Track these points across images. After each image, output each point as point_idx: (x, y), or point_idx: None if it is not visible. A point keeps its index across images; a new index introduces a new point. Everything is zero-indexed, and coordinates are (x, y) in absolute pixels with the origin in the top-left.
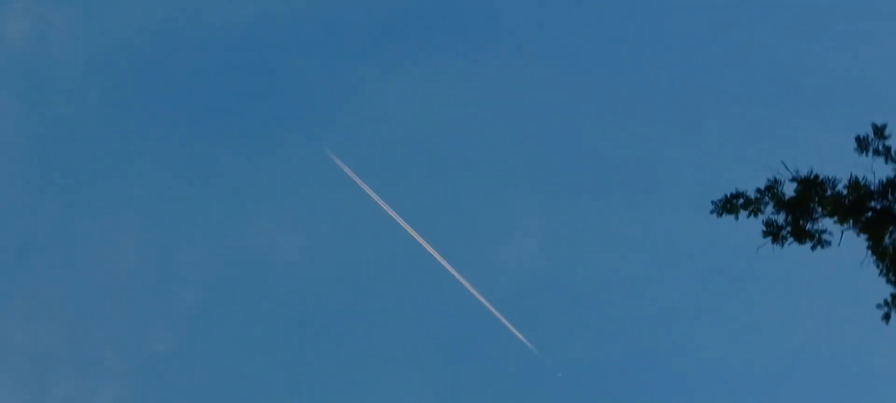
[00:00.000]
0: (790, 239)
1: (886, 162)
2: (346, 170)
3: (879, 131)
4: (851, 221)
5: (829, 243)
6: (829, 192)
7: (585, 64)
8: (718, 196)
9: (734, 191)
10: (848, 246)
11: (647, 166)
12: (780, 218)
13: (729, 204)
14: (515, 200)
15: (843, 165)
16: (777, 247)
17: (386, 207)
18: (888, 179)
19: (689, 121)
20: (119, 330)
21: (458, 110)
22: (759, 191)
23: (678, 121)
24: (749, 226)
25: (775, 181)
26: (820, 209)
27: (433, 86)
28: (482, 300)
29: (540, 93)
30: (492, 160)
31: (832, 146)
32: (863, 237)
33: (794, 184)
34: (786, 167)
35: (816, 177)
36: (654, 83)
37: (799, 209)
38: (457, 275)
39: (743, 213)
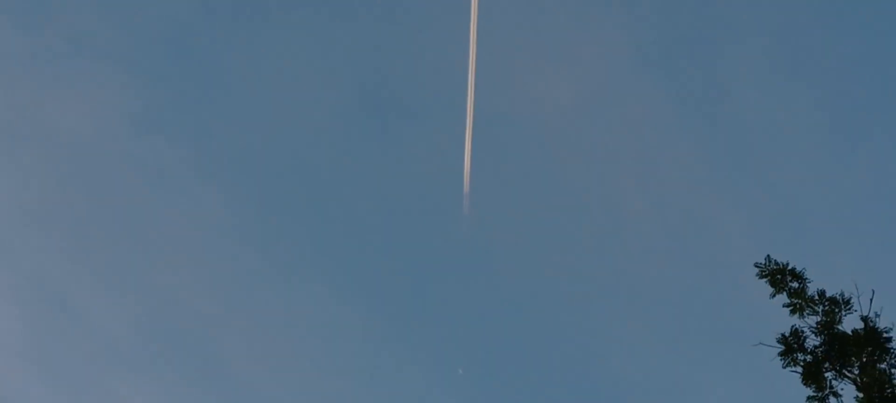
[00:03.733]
0: (800, 370)
1: None
2: None
3: None
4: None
5: None
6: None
7: None
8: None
9: (795, 269)
10: None
11: None
12: (811, 343)
13: (780, 276)
14: None
15: None
16: (777, 360)
17: None
18: None
19: None
20: None
21: None
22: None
23: None
24: None
25: (843, 302)
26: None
27: None
28: None
29: None
30: None
31: None
32: None
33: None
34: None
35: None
36: None
37: (840, 356)
38: None
39: (787, 299)
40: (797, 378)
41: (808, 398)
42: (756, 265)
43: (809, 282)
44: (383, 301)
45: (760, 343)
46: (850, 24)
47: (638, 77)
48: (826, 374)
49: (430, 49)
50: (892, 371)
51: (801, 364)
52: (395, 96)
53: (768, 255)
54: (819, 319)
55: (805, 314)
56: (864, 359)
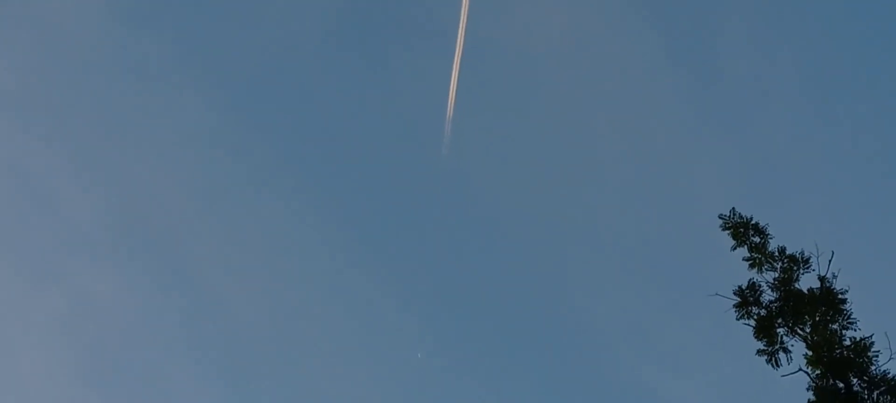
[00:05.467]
0: (753, 324)
1: None
2: None
3: None
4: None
5: (778, 363)
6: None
7: None
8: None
9: (758, 224)
10: None
11: None
12: (767, 298)
13: (742, 229)
14: None
15: None
16: (731, 313)
17: None
18: None
19: None
20: None
21: None
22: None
23: None
24: None
25: (802, 260)
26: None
27: None
28: None
29: None
30: None
31: None
32: None
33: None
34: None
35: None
36: None
37: (793, 313)
38: None
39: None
40: (750, 331)
41: (758, 351)
42: (720, 216)
43: (771, 239)
44: (355, 220)
45: (717, 294)
46: None
47: (630, 17)
48: (778, 329)
49: None
50: (844, 332)
51: (755, 317)
52: (388, 12)
53: (733, 208)
54: (777, 275)
55: (764, 269)
56: (817, 318)
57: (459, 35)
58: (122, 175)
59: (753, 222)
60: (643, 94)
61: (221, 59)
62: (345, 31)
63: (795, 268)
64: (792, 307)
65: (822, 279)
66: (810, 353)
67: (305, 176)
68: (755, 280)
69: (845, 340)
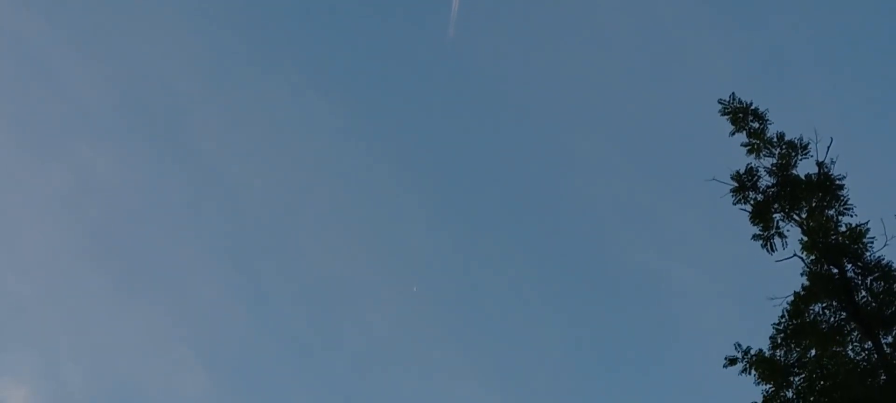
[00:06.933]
0: (750, 209)
1: None
2: None
3: None
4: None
5: (773, 248)
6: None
7: None
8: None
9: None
10: None
11: None
12: (764, 183)
13: (741, 114)
14: None
15: None
16: (729, 197)
17: None
18: None
19: None
20: None
21: None
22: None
23: None
24: None
25: (800, 146)
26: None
27: None
28: None
29: None
30: None
31: None
32: None
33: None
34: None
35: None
36: None
37: (790, 199)
38: None
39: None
40: (746, 215)
41: (754, 236)
42: (720, 101)
43: (770, 124)
44: (360, 100)
45: (714, 179)
46: None
47: None
48: (774, 215)
49: None
50: (840, 218)
51: (752, 202)
52: None
53: (732, 93)
54: (775, 161)
55: (762, 154)
56: (814, 204)
57: None
58: (126, 52)
59: (753, 108)
60: None
61: None
62: None
63: (793, 154)
64: (789, 192)
65: (819, 165)
66: (805, 239)
67: (309, 55)
68: (753, 165)
69: (841, 226)
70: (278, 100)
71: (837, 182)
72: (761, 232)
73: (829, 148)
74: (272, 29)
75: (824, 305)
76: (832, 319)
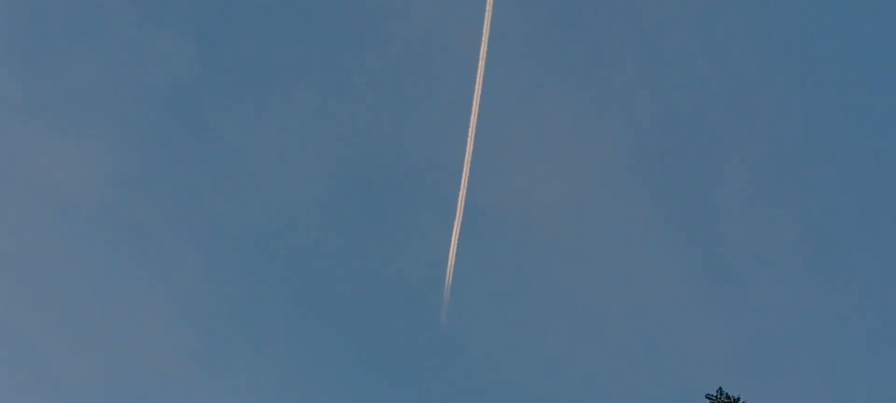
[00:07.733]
0: None
1: None
2: None
3: None
4: None
5: None
6: None
7: None
8: None
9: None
10: None
11: None
12: None
13: None
14: None
15: None
16: None
17: None
18: None
19: None
20: None
21: None
22: None
23: None
24: None
25: None
26: None
27: None
28: None
29: None
30: None
31: None
32: None
33: None
34: None
35: None
36: None
37: None
38: None
39: None
40: None
41: None
42: (707, 396)
43: None
44: (354, 387)
45: None
46: (838, 148)
47: (629, 184)
48: None
49: (430, 139)
50: None
51: None
52: (389, 180)
53: (720, 387)
54: None
55: None
56: None
57: (459, 202)
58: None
59: (741, 402)
60: (641, 261)
61: (222, 224)
62: (345, 197)
63: None
64: None
65: None
66: None
67: (305, 343)
68: None
69: None
70: (271, 387)
71: None
72: None
73: None
74: (266, 315)
75: None
76: None
